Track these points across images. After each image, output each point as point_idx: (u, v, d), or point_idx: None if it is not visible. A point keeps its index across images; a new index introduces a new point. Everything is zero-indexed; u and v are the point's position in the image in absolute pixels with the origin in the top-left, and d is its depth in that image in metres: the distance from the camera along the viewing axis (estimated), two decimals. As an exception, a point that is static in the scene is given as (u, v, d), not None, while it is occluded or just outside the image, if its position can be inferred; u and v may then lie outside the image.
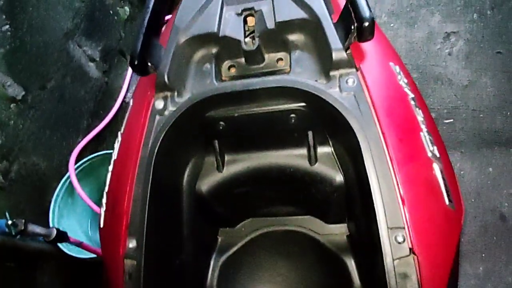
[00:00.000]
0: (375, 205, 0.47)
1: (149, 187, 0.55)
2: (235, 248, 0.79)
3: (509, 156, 1.35)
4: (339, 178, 0.64)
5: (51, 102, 1.25)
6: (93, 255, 1.14)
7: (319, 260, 0.76)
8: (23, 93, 1.13)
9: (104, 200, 0.61)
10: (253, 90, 0.55)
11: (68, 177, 1.25)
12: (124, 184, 0.58)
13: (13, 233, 0.80)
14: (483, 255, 1.23)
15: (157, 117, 0.59)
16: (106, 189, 0.61)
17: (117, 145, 0.63)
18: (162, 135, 0.56)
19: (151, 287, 0.55)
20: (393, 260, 0.45)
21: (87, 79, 1.44)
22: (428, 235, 0.47)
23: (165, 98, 0.60)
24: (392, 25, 1.56)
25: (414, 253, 0.45)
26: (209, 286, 0.75)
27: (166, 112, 0.58)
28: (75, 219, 1.31)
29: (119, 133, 0.64)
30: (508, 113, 1.37)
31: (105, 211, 0.60)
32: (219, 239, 0.81)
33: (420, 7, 1.56)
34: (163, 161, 0.59)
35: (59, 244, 1.15)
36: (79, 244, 0.95)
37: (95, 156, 1.31)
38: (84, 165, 1.30)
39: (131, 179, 0.57)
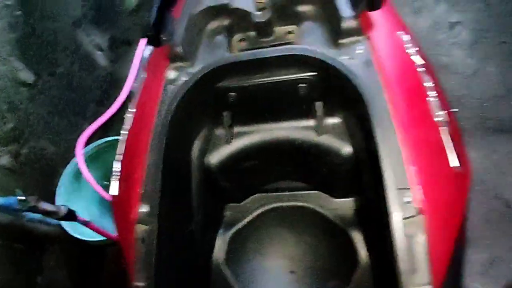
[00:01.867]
0: (382, 168, 0.47)
1: (163, 155, 0.56)
2: (242, 223, 0.79)
3: (513, 143, 1.35)
4: (346, 149, 0.65)
5: (60, 88, 1.26)
6: (99, 238, 1.16)
7: (325, 235, 0.77)
8: (34, 78, 1.15)
9: (117, 169, 0.62)
10: (263, 59, 0.56)
11: (75, 162, 1.27)
12: (138, 152, 0.59)
13: (24, 209, 0.81)
14: (488, 242, 1.23)
15: (171, 86, 0.60)
16: (121, 158, 0.62)
17: (130, 115, 0.64)
18: (176, 103, 0.57)
19: (164, 253, 0.56)
20: (401, 220, 0.45)
21: (94, 67, 1.46)
22: (436, 196, 0.48)
23: (178, 69, 0.61)
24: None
25: (422, 213, 0.46)
26: (216, 260, 0.75)
27: (179, 82, 0.60)
28: (81, 204, 1.32)
29: (132, 104, 0.65)
30: (513, 102, 1.37)
31: (119, 178, 0.61)
32: (227, 214, 0.82)
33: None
34: (176, 132, 0.60)
35: (66, 228, 1.17)
36: (86, 223, 0.96)
37: (102, 143, 1.32)
38: (91, 151, 1.31)
39: (145, 148, 0.58)
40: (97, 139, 1.36)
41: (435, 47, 1.49)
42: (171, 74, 0.61)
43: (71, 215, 0.88)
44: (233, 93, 0.63)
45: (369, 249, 0.68)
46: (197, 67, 0.60)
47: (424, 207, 0.47)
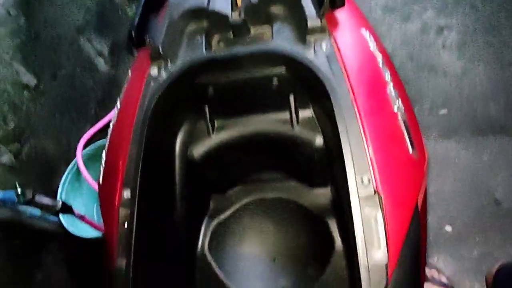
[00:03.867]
0: (344, 153, 0.51)
1: (143, 144, 0.60)
2: (226, 214, 0.83)
3: (503, 142, 1.37)
4: (318, 140, 0.69)
5: (62, 89, 1.33)
6: (97, 235, 1.20)
7: (304, 223, 0.80)
8: (36, 81, 1.21)
9: (103, 160, 0.67)
10: (236, 56, 0.61)
11: (75, 162, 1.32)
12: (121, 144, 0.64)
13: (22, 202, 0.86)
14: (478, 239, 1.25)
15: (152, 83, 0.65)
16: (106, 150, 0.67)
17: (116, 111, 0.69)
18: (156, 97, 0.62)
19: (145, 236, 0.60)
20: (359, 200, 0.49)
21: (95, 71, 1.52)
22: (392, 178, 0.51)
23: (159, 67, 0.66)
24: (386, 19, 1.61)
25: (378, 194, 0.49)
26: (201, 249, 0.79)
27: (160, 78, 0.64)
28: (81, 203, 1.37)
29: (118, 100, 0.71)
30: (502, 101, 1.39)
31: (104, 169, 0.66)
32: (211, 205, 0.86)
33: (414, 2, 1.61)
34: (157, 124, 0.64)
35: (65, 225, 1.21)
36: (82, 217, 1.00)
37: (102, 143, 1.38)
38: (91, 151, 1.37)
39: (127, 140, 0.63)
40: (98, 140, 1.41)
41: (425, 49, 1.53)
42: (152, 71, 0.66)
43: (67, 209, 0.93)
44: (211, 88, 0.68)
45: (341, 234, 0.72)
46: (177, 65, 0.65)
47: (381, 188, 0.50)
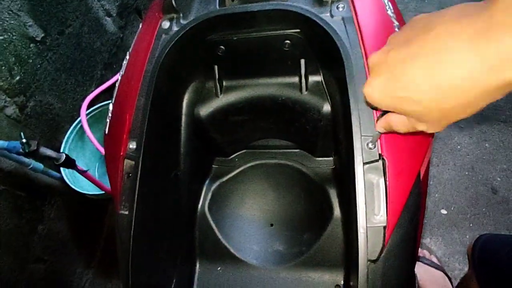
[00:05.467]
0: (352, 120, 0.51)
1: (151, 96, 0.60)
2: (228, 176, 0.84)
3: (507, 133, 1.37)
4: (326, 107, 0.69)
5: (68, 47, 1.31)
6: (98, 192, 1.22)
7: (304, 191, 0.81)
8: (43, 35, 1.20)
9: (110, 111, 0.67)
10: (251, 13, 0.59)
11: (79, 121, 1.32)
12: (128, 95, 0.64)
13: (26, 152, 0.87)
14: (471, 224, 1.27)
15: (163, 36, 0.64)
16: (113, 101, 0.67)
17: (125, 62, 0.69)
18: (166, 50, 0.61)
19: (148, 188, 0.61)
20: (363, 164, 0.49)
21: (103, 32, 1.50)
22: (397, 144, 0.51)
23: (171, 20, 0.65)
24: (403, -1, 1.57)
25: (383, 159, 0.50)
26: (201, 208, 0.80)
27: (171, 32, 0.64)
28: (83, 162, 1.39)
29: (127, 53, 0.70)
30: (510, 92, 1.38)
31: (110, 120, 0.66)
32: (214, 167, 0.87)
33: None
34: (166, 77, 0.64)
35: (67, 181, 1.23)
36: (84, 172, 1.02)
37: (106, 104, 1.38)
38: (95, 111, 1.37)
39: (135, 91, 0.63)
40: (102, 101, 1.41)
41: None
42: (164, 24, 0.65)
43: (70, 162, 0.94)
44: (222, 47, 0.67)
45: (340, 204, 0.73)
46: (189, 19, 0.64)
47: (386, 153, 0.51)
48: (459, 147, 1.39)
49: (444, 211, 1.30)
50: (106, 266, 1.46)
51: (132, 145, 0.60)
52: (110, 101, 1.37)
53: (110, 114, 0.66)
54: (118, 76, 1.53)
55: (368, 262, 0.48)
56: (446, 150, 1.39)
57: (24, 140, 0.86)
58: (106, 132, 0.66)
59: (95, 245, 1.49)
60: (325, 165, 0.81)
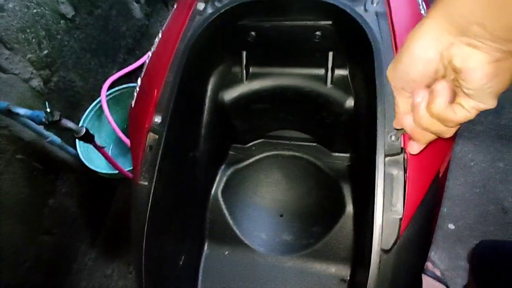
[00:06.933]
0: (377, 113, 0.51)
1: (180, 74, 0.62)
2: (243, 164, 0.85)
3: (522, 153, 1.36)
4: (349, 101, 0.69)
5: (95, 28, 1.34)
6: (111, 171, 1.24)
7: (318, 185, 0.82)
8: (73, 13, 1.23)
9: (138, 85, 0.68)
10: (288, 1, 0.61)
11: (99, 101, 1.35)
12: (158, 71, 0.65)
13: (49, 121, 0.89)
14: (477, 241, 1.25)
15: (197, 17, 0.65)
16: (142, 75, 0.69)
17: (157, 40, 0.70)
18: (199, 31, 0.63)
19: (167, 163, 0.62)
20: (385, 156, 0.50)
21: (130, 17, 1.53)
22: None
23: (206, 1, 0.66)
24: None
25: (405, 152, 0.50)
26: (215, 192, 0.82)
27: (206, 14, 0.65)
28: (98, 142, 1.41)
29: (160, 31, 0.72)
30: (529, 112, 1.37)
31: (137, 93, 0.68)
32: (231, 153, 0.88)
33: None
34: (196, 58, 0.65)
35: (82, 158, 1.25)
36: (100, 148, 1.03)
37: (126, 87, 1.40)
38: (114, 94, 1.39)
39: (165, 68, 0.64)
40: (122, 85, 1.44)
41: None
42: (199, 5, 0.66)
43: (89, 137, 0.96)
44: (253, 33, 0.68)
45: (354, 200, 0.73)
46: (224, 2, 0.65)
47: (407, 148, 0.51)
48: (472, 163, 1.38)
49: (451, 226, 1.29)
50: (109, 247, 1.48)
51: (157, 119, 0.61)
52: (130, 84, 1.40)
53: (137, 89, 0.68)
54: (140, 62, 1.56)
55: (381, 252, 0.48)
56: (459, 166, 1.38)
57: (48, 110, 0.88)
58: (133, 105, 0.67)
59: (100, 225, 1.50)
60: (341, 161, 0.81)
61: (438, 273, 1.17)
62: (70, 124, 0.91)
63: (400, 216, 0.49)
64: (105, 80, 1.39)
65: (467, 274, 1.20)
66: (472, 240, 1.26)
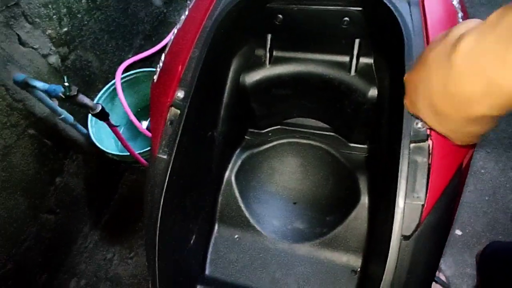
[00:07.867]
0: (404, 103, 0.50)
1: (206, 51, 0.61)
2: (259, 149, 0.85)
3: (534, 164, 1.35)
4: (372, 91, 0.69)
5: (115, 11, 1.35)
6: (121, 153, 1.24)
7: (333, 175, 0.81)
8: (95, -7, 1.24)
9: (161, 60, 0.68)
10: None
11: (113, 84, 1.35)
12: (183, 47, 0.65)
13: (66, 95, 0.89)
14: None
15: None
16: (166, 50, 0.68)
17: (183, 17, 0.70)
18: (228, 9, 0.63)
19: (186, 139, 0.62)
20: (410, 142, 0.49)
21: (149, 3, 1.54)
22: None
23: None
24: None
25: (430, 139, 0.50)
26: (228, 175, 0.81)
27: None
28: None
29: (187, 8, 0.72)
30: (543, 123, 1.36)
31: (161, 69, 0.67)
32: (247, 138, 0.88)
33: None
34: (222, 36, 0.65)
35: (93, 138, 1.25)
36: (114, 128, 1.03)
37: (140, 71, 1.40)
38: (129, 77, 1.40)
39: (191, 44, 0.64)
40: (137, 69, 1.44)
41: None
42: None
43: (104, 114, 0.95)
44: (280, 15, 0.68)
45: (370, 192, 0.72)
46: None
47: (433, 136, 0.51)
48: (483, 171, 1.37)
49: (459, 232, 1.28)
50: (111, 231, 1.48)
51: (180, 94, 0.61)
52: (145, 69, 1.40)
53: (161, 64, 0.68)
54: (156, 49, 1.56)
55: (401, 238, 0.48)
56: (469, 173, 1.37)
57: (66, 84, 0.88)
58: (155, 80, 0.67)
59: (104, 209, 1.50)
60: (358, 152, 0.80)
61: (443, 278, 1.16)
62: (86, 100, 0.91)
63: (423, 203, 0.48)
64: (120, 63, 1.39)
65: (473, 281, 1.19)
66: (480, 247, 1.24)
